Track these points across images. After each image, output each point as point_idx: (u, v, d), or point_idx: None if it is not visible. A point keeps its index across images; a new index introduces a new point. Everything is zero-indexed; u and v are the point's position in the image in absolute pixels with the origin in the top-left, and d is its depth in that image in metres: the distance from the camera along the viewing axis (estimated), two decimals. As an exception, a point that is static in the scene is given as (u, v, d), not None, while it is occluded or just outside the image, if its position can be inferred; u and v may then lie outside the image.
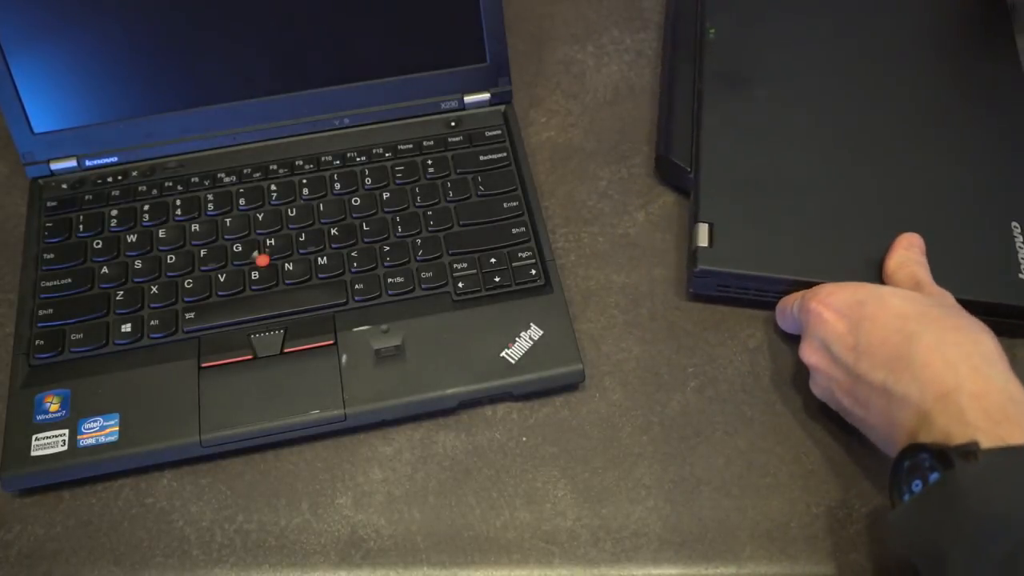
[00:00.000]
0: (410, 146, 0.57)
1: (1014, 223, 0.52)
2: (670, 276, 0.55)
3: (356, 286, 0.51)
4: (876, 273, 0.50)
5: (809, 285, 0.50)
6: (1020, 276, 0.50)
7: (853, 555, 0.46)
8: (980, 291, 0.49)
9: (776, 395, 0.51)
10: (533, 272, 0.52)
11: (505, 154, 0.57)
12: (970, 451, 0.37)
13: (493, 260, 0.53)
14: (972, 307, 0.48)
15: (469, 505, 0.47)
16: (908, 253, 0.49)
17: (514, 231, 0.54)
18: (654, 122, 0.61)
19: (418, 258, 0.53)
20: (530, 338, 0.50)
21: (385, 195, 0.55)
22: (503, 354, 0.49)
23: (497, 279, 0.52)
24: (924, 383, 0.40)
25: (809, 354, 0.47)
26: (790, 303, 0.50)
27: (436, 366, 0.49)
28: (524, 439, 0.49)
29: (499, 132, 0.58)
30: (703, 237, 0.52)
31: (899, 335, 0.42)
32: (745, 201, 0.53)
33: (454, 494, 0.48)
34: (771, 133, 0.56)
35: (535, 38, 0.66)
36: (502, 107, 0.59)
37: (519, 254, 0.53)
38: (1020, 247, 0.51)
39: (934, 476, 0.38)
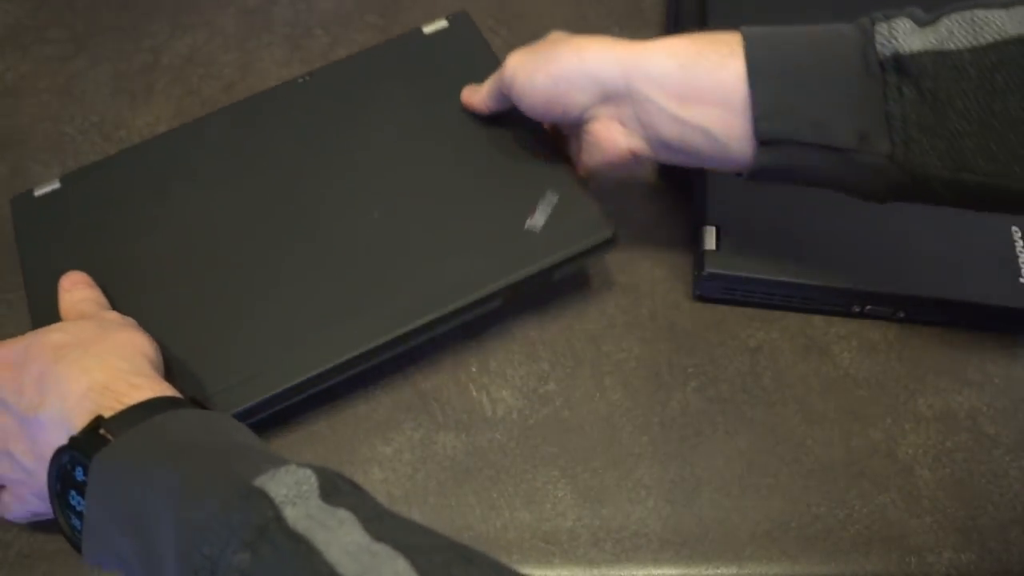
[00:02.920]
0: None
1: (1014, 228, 0.52)
2: (670, 276, 0.55)
3: None
4: (882, 274, 0.50)
5: (816, 289, 0.50)
6: (1021, 280, 0.50)
7: (853, 555, 0.46)
8: (981, 294, 0.50)
9: (776, 395, 0.51)
10: None
11: None
12: (97, 426, 0.37)
13: None
14: (973, 310, 0.48)
15: (469, 505, 0.47)
16: (70, 295, 0.47)
17: None
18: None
19: None
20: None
21: None
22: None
23: None
24: (65, 394, 0.39)
25: None
26: None
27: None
28: (524, 439, 0.49)
29: None
30: (710, 240, 0.52)
31: (50, 362, 0.41)
32: (752, 204, 0.53)
33: (454, 494, 0.48)
34: None
35: (535, 38, 0.66)
36: None
37: None
38: (1021, 251, 0.51)
39: (79, 471, 0.37)
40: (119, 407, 0.38)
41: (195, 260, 0.50)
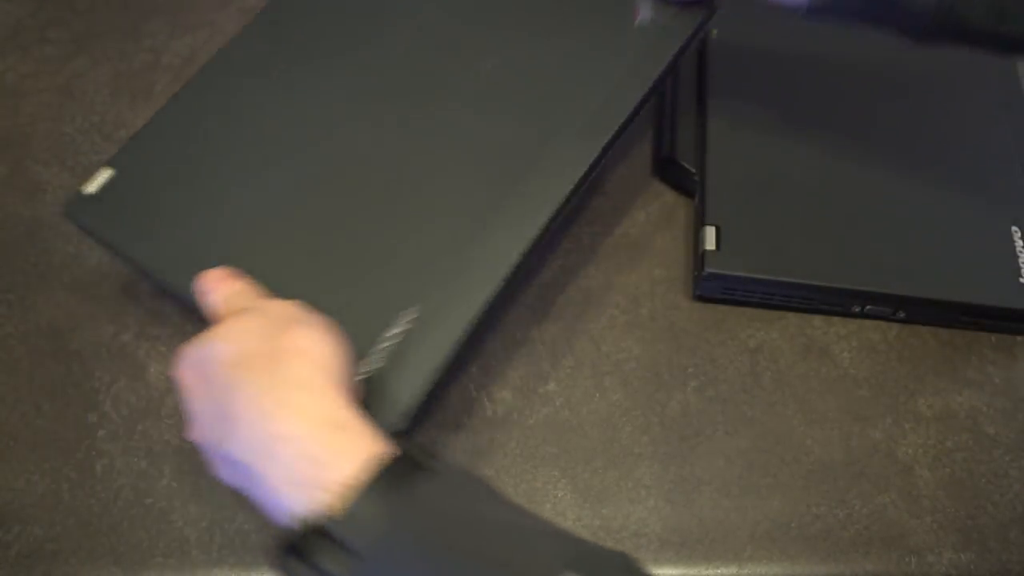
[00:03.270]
0: None
1: (1014, 228, 0.52)
2: (670, 276, 0.55)
3: None
4: (882, 274, 0.51)
5: (816, 289, 0.50)
6: (1021, 280, 0.50)
7: (853, 555, 0.46)
8: (981, 295, 0.49)
9: (776, 395, 0.51)
10: None
11: None
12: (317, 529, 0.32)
13: None
14: (973, 310, 0.48)
15: (469, 505, 0.47)
16: (216, 295, 0.41)
17: None
18: (653, 122, 0.61)
19: None
20: None
21: None
22: None
23: None
24: (257, 453, 0.34)
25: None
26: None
27: None
28: (524, 439, 0.49)
29: None
30: (710, 240, 0.52)
31: (225, 388, 0.36)
32: (752, 204, 0.53)
33: (454, 494, 0.48)
34: (778, 135, 0.56)
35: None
36: None
37: None
38: (1020, 251, 0.51)
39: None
40: (336, 489, 0.32)
41: (306, 196, 0.45)
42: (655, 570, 0.46)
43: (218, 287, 0.42)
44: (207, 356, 0.38)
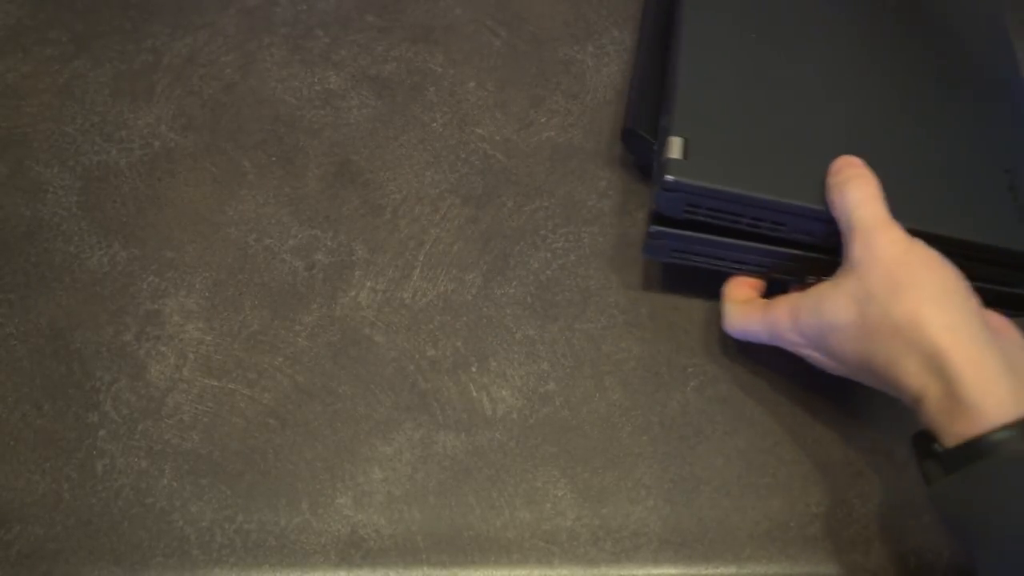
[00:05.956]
0: None
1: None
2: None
3: None
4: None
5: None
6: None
7: (853, 555, 0.46)
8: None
9: (776, 395, 0.51)
10: None
11: None
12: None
13: None
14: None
15: (469, 505, 0.47)
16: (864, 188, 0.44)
17: None
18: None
19: None
20: None
21: None
22: None
23: None
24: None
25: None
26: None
27: None
28: (524, 439, 0.49)
29: None
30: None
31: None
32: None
33: (454, 494, 0.48)
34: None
35: (535, 38, 0.66)
36: None
37: None
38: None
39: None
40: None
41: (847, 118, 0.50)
42: (655, 570, 0.46)
43: (860, 171, 0.44)
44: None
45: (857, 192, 0.43)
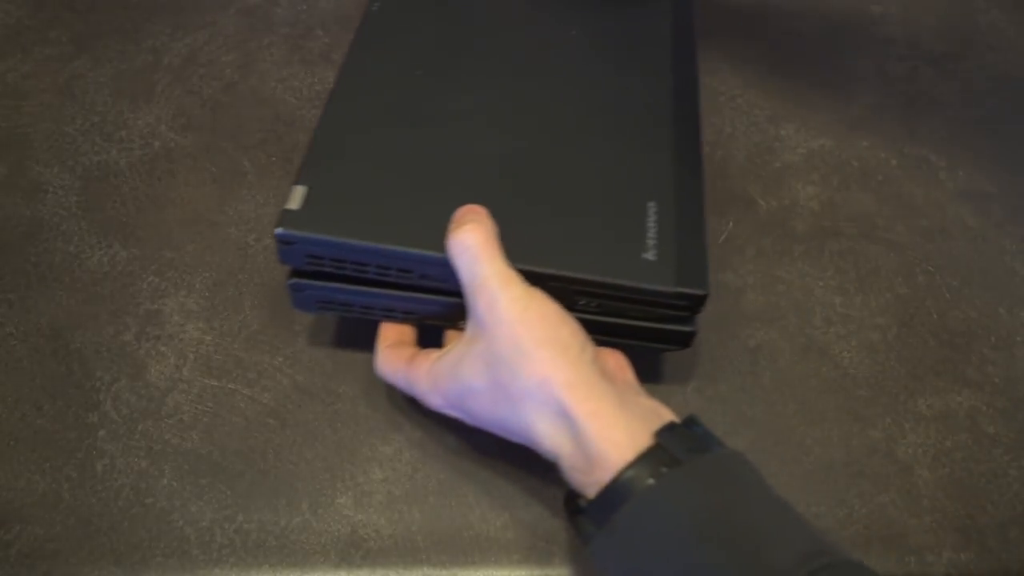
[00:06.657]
0: None
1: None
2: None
3: None
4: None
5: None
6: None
7: (853, 555, 0.46)
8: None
9: (776, 395, 0.51)
10: None
11: None
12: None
13: None
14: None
15: (469, 505, 0.47)
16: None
17: None
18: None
19: None
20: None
21: None
22: None
23: None
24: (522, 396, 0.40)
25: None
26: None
27: None
28: (524, 439, 0.49)
29: None
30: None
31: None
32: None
33: (454, 494, 0.48)
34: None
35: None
36: None
37: None
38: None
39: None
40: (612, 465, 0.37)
41: (485, 157, 0.49)
42: (655, 570, 0.46)
43: (475, 219, 0.43)
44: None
45: (470, 239, 0.42)
